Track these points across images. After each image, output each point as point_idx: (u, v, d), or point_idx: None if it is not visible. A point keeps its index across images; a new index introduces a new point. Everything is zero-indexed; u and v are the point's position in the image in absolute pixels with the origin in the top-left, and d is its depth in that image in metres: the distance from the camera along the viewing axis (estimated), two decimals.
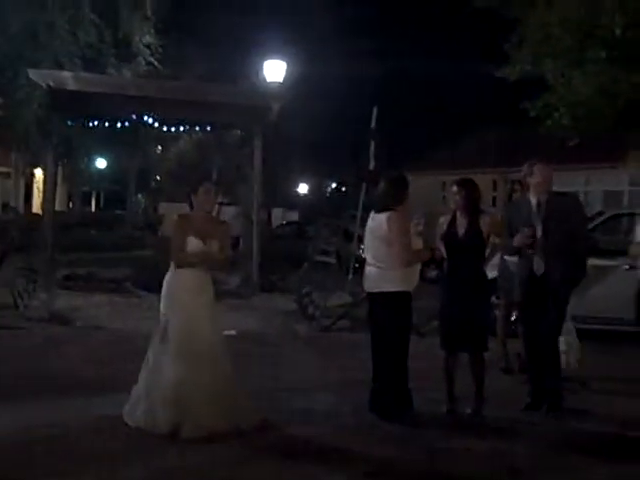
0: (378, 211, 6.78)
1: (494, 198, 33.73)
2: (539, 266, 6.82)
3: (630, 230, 11.53)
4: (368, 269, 6.86)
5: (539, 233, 6.79)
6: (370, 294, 6.84)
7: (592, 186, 25.81)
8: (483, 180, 23.44)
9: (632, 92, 12.47)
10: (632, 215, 12.11)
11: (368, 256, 6.88)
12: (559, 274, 6.76)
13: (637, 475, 5.59)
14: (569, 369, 7.55)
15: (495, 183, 34.14)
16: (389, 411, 6.57)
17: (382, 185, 6.91)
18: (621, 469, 5.64)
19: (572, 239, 6.77)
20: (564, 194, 7.45)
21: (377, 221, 6.74)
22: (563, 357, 7.48)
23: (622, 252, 9.93)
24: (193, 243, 6.34)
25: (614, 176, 23.07)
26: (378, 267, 6.70)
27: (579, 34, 12.53)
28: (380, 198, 6.85)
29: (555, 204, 6.90)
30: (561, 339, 7.28)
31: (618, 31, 11.65)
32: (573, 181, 7.88)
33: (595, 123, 13.59)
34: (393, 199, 6.70)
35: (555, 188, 7.09)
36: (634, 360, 9.28)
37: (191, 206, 6.51)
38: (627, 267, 10.10)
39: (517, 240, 6.86)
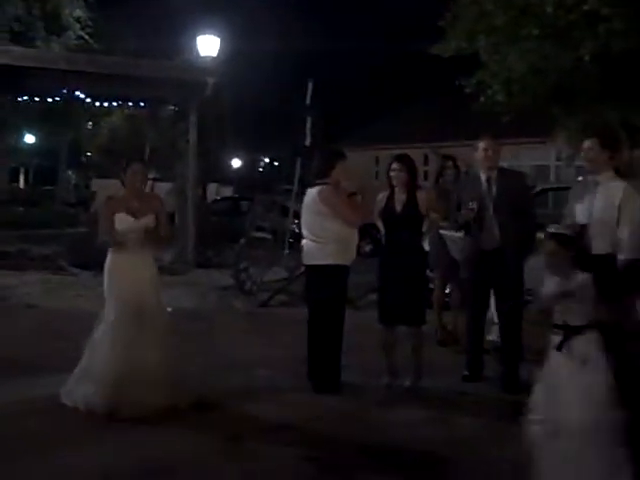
0: (311, 186, 6.92)
1: (425, 172, 34.05)
2: (492, 240, 6.85)
3: (557, 205, 11.71)
4: (305, 243, 6.97)
5: (489, 209, 6.83)
6: (307, 267, 6.95)
7: (521, 161, 26.31)
8: (415, 154, 23.63)
9: (562, 70, 12.69)
10: (559, 190, 12.38)
11: (305, 230, 6.98)
12: (512, 249, 6.83)
13: None
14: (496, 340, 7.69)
15: (426, 157, 34.46)
16: (326, 384, 6.68)
17: (315, 159, 7.07)
18: None
19: (521, 215, 6.85)
20: (512, 171, 7.58)
21: (310, 196, 6.88)
22: (493, 328, 7.69)
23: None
24: (123, 220, 6.31)
25: (542, 151, 23.51)
26: (314, 241, 6.82)
27: (513, 11, 12.66)
28: (313, 172, 7.03)
29: (504, 180, 6.97)
30: (493, 312, 7.43)
31: (549, 9, 11.83)
32: (504, 156, 8.07)
33: (527, 100, 13.80)
34: (324, 172, 6.84)
35: None
36: None
37: (123, 184, 6.49)
38: None
39: (462, 214, 6.94)
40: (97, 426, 5.71)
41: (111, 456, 5.18)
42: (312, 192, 6.87)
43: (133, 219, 6.32)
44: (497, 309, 7.25)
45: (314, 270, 6.85)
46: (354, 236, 6.94)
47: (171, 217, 15.79)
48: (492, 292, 7.16)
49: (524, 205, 7.00)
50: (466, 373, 7.15)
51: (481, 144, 7.02)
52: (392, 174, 6.91)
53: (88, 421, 5.81)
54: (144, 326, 6.14)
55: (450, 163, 8.76)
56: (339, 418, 6.10)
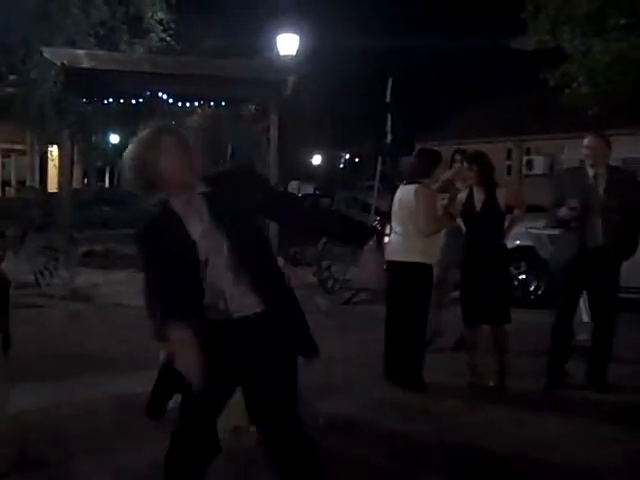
0: (408, 183, 6.88)
1: (509, 167, 33.62)
2: (595, 238, 6.60)
3: None
4: (393, 237, 6.95)
5: (595, 207, 6.57)
6: (391, 263, 6.82)
7: (613, 153, 25.53)
8: (497, 149, 23.39)
9: None
10: None
11: (395, 224, 6.97)
12: (616, 249, 6.62)
13: None
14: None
15: (509, 152, 34.01)
16: (411, 382, 6.65)
17: (413, 158, 7.06)
18: None
19: (628, 216, 6.61)
20: (622, 170, 7.29)
21: (405, 192, 6.85)
22: (584, 327, 7.47)
23: None
24: None
25: (633, 144, 22.95)
26: (403, 237, 6.81)
27: (598, 0, 12.37)
28: (410, 170, 7.00)
29: (613, 179, 6.69)
30: (584, 311, 7.25)
31: None
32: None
33: (614, 91, 13.47)
34: (422, 172, 6.83)
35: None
36: None
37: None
38: None
39: (562, 211, 6.65)
40: None
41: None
42: (409, 188, 6.82)
43: None
44: (591, 309, 7.03)
45: (399, 267, 6.78)
46: (440, 236, 6.96)
47: None
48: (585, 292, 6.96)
49: (632, 206, 6.65)
50: (546, 382, 6.87)
51: (585, 141, 6.76)
52: (466, 174, 6.89)
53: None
54: None
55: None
56: (420, 416, 6.05)
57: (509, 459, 5.23)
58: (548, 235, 9.91)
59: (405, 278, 6.75)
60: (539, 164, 32.36)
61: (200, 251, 3.38)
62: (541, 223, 9.88)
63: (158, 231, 3.50)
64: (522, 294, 10.80)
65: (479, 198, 6.80)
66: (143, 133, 3.42)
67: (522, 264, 10.89)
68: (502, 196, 6.79)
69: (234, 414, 5.71)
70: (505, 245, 7.04)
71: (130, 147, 3.42)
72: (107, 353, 7.81)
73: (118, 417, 5.93)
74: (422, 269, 6.74)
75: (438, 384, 6.72)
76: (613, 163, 6.96)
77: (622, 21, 11.98)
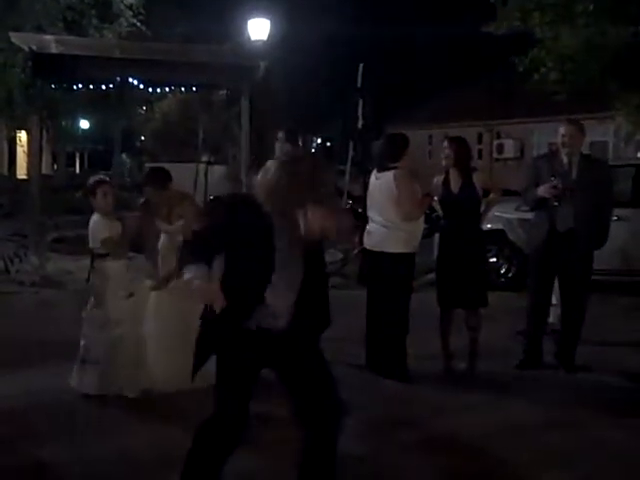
0: (379, 169, 6.80)
1: (480, 151, 33.78)
2: (567, 221, 6.72)
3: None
4: (372, 226, 6.85)
5: (570, 186, 6.68)
6: (374, 253, 6.80)
7: None
8: (468, 133, 23.50)
9: (619, 45, 12.46)
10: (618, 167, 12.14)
11: (373, 213, 6.85)
12: (586, 233, 6.71)
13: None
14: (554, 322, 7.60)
15: (480, 136, 34.16)
16: (391, 369, 6.65)
17: (383, 143, 6.96)
18: (627, 422, 5.70)
19: (598, 204, 6.75)
20: (596, 159, 7.43)
21: (384, 179, 6.70)
22: (552, 310, 7.57)
23: None
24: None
25: (600, 128, 23.17)
26: (384, 226, 6.70)
27: None
28: (379, 156, 6.87)
29: (586, 166, 6.82)
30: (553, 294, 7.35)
31: None
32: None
33: (582, 77, 13.60)
34: (391, 157, 6.71)
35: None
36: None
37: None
38: None
39: (543, 190, 6.74)
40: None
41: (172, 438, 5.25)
42: (387, 175, 6.67)
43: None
44: (561, 293, 7.11)
45: (379, 256, 6.73)
46: (421, 222, 6.85)
47: None
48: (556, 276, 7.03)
49: (603, 195, 6.83)
50: (522, 358, 7.04)
51: (560, 129, 6.87)
52: (443, 156, 6.88)
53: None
54: None
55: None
56: (400, 402, 6.09)
57: (479, 444, 5.29)
58: (518, 219, 10.04)
59: (389, 268, 6.65)
60: (509, 148, 32.56)
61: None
62: (511, 207, 10.02)
63: (241, 211, 3.71)
64: (493, 277, 10.89)
65: (456, 182, 6.80)
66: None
67: (492, 247, 10.98)
68: (478, 180, 6.82)
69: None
70: (481, 229, 7.10)
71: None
72: (77, 340, 7.75)
73: (86, 406, 5.92)
74: (406, 258, 6.67)
75: (412, 369, 6.71)
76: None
77: (590, 7, 12.08)
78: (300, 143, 7.49)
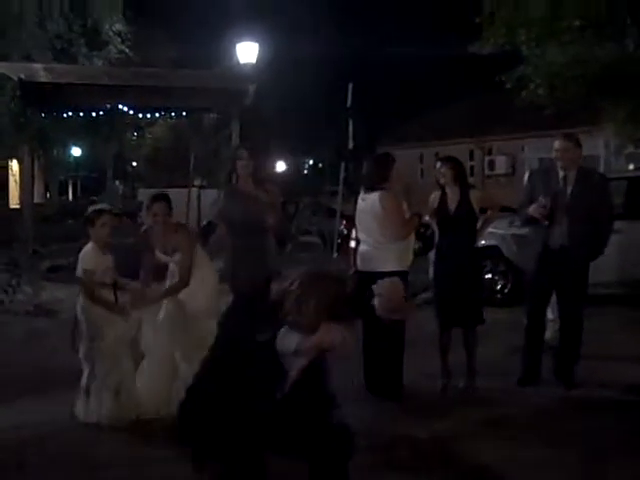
0: (368, 190, 6.75)
1: (472, 167, 33.86)
2: (559, 238, 6.68)
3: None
4: (363, 248, 6.79)
5: (562, 207, 6.64)
6: (364, 273, 6.66)
7: None
8: (459, 150, 23.59)
9: (605, 60, 12.54)
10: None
11: (363, 235, 6.81)
12: (579, 249, 6.67)
13: None
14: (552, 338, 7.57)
15: (472, 153, 34.24)
16: (389, 390, 6.59)
17: (368, 164, 6.89)
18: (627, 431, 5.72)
19: (595, 218, 6.70)
20: (593, 173, 7.30)
21: (370, 200, 6.67)
22: (549, 326, 7.53)
23: None
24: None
25: (590, 141, 23.28)
26: (374, 247, 6.65)
27: (552, 1, 12.52)
28: (367, 177, 6.81)
29: (583, 181, 6.74)
30: (549, 309, 7.32)
31: None
32: (550, 146, 7.89)
33: (570, 92, 13.67)
34: (378, 178, 6.66)
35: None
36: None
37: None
38: None
39: (532, 210, 6.72)
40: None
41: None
42: (373, 197, 6.64)
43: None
44: (559, 308, 7.09)
45: (372, 277, 6.66)
46: (412, 241, 6.81)
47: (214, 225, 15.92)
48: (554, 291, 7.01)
49: (602, 208, 6.77)
50: (521, 376, 6.96)
51: (555, 143, 6.82)
52: (439, 174, 6.88)
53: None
54: None
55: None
56: (401, 422, 6.04)
57: (480, 459, 5.26)
58: (512, 235, 10.03)
59: None
60: (501, 164, 32.63)
61: None
62: (505, 223, 10.01)
63: None
64: (488, 293, 10.86)
65: (453, 199, 6.81)
66: None
67: (487, 263, 10.95)
68: (475, 198, 6.83)
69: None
70: (477, 248, 7.10)
71: None
72: (73, 369, 7.69)
73: (83, 437, 5.83)
74: (399, 276, 6.63)
75: (411, 387, 6.69)
76: None
77: (576, 23, 12.15)
78: (263, 161, 7.33)
